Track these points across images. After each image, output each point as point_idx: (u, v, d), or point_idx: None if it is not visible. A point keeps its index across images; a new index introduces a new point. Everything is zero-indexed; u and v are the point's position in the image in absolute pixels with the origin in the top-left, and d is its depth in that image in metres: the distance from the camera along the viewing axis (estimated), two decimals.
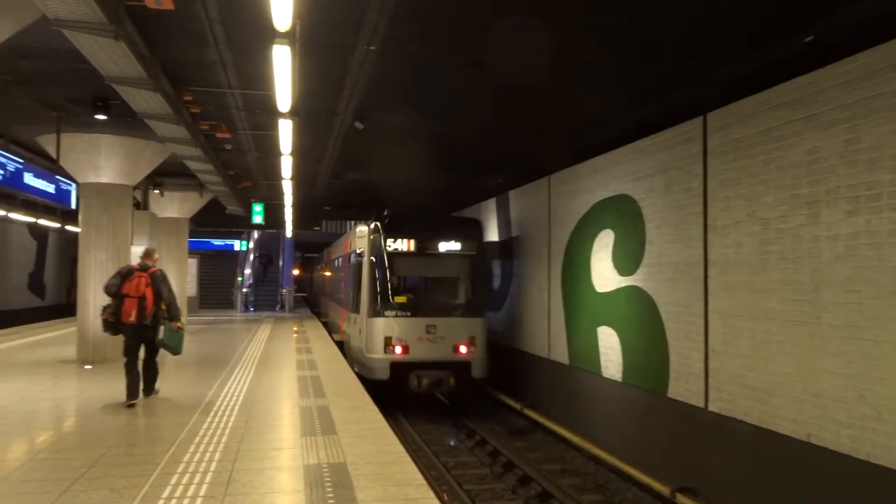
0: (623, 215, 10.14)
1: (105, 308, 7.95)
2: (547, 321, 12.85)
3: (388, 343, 12.95)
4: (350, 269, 15.90)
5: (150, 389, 8.24)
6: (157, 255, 8.51)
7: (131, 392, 7.87)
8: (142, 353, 8.15)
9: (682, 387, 8.52)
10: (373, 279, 13.49)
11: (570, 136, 11.00)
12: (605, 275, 10.64)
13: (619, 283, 10.17)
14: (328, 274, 23.96)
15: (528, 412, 12.84)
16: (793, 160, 6.77)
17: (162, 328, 7.96)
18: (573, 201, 11.88)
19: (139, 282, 7.89)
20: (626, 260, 9.99)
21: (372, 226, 13.82)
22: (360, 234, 14.40)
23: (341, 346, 15.62)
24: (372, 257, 13.61)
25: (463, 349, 13.07)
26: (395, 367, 12.81)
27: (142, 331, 7.92)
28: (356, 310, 14.35)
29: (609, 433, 10.21)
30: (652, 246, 9.36)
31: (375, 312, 13.21)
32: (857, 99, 6.04)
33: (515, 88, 8.32)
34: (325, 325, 21.03)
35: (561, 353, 12.20)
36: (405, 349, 12.91)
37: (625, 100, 8.88)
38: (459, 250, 13.76)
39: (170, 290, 8.11)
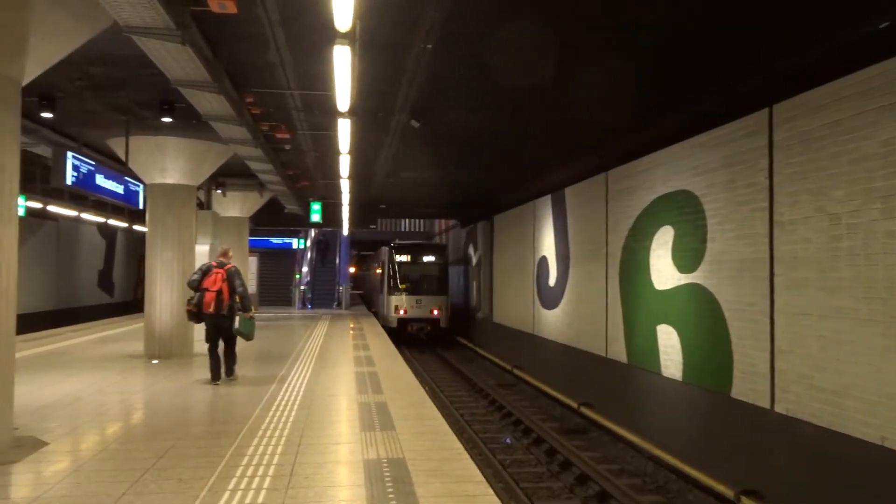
0: (683, 211, 9.91)
1: (190, 300, 9.13)
2: (604, 319, 12.68)
3: (396, 308, 24.27)
4: (379, 270, 27.98)
5: (230, 371, 9.29)
6: (231, 254, 9.52)
7: (214, 374, 9.13)
8: (221, 345, 9.27)
9: (747, 387, 8.28)
10: (390, 275, 25.01)
11: (628, 132, 10.82)
12: (664, 272, 10.43)
13: (679, 280, 9.95)
14: (371, 272, 36.80)
15: (585, 410, 12.71)
16: (866, 152, 6.49)
17: (237, 318, 9.08)
18: (631, 198, 11.68)
19: (216, 277, 9.00)
20: (687, 257, 9.77)
21: (389, 247, 25.87)
22: (384, 252, 26.55)
23: (376, 314, 26.61)
24: (389, 264, 25.23)
25: (435, 312, 24.38)
26: (400, 321, 24.07)
27: (219, 320, 9.05)
28: (382, 291, 26.32)
29: (668, 433, 10.01)
30: (714, 243, 9.13)
31: (391, 292, 24.70)
32: None
33: (572, 85, 8.23)
34: (367, 304, 32.92)
35: (618, 352, 12.03)
36: (405, 311, 24.23)
37: (684, 92, 8.69)
38: (433, 261, 25.67)
39: (242, 284, 9.18)
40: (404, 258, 25.27)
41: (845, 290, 6.71)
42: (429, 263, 25.42)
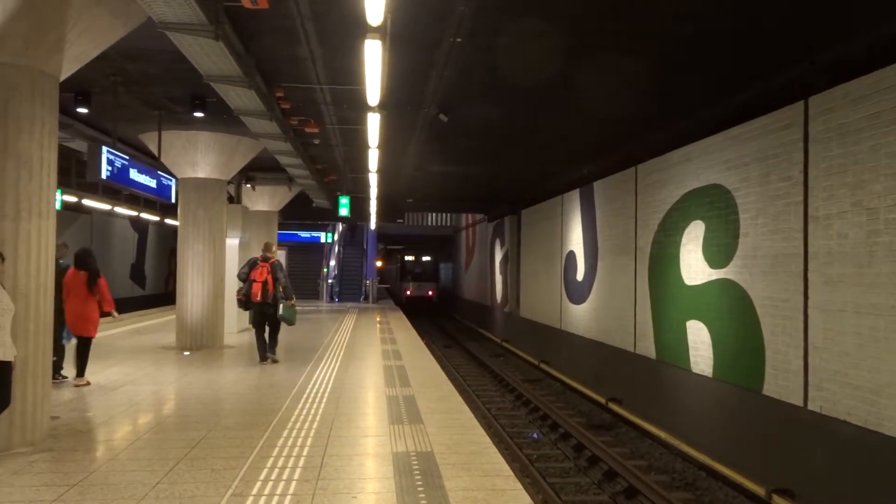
0: (715, 206, 9.78)
1: (239, 290, 10.39)
2: (633, 314, 12.58)
3: (405, 290, 39.23)
4: (396, 266, 44.06)
5: (272, 351, 10.40)
6: (274, 248, 10.71)
7: (262, 356, 10.34)
8: (266, 329, 10.47)
9: (779, 384, 8.16)
10: (401, 270, 40.57)
11: (658, 125, 10.70)
12: (695, 267, 10.30)
13: (710, 276, 9.83)
14: (392, 267, 49.44)
15: (613, 406, 12.63)
16: None
17: (281, 306, 10.28)
18: (662, 191, 11.55)
19: (262, 270, 10.21)
20: (718, 252, 9.64)
21: (401, 249, 41.19)
22: (398, 254, 42.26)
23: (394, 298, 36.93)
24: (400, 261, 40.77)
25: (430, 293, 39.53)
26: (407, 298, 38.10)
27: (265, 308, 10.26)
28: (397, 280, 42.81)
29: (698, 430, 9.91)
30: (746, 238, 8.99)
31: (402, 280, 40.06)
32: None
33: (602, 78, 8.16)
34: (393, 297, 39.78)
35: (647, 348, 11.92)
36: (410, 292, 39.05)
37: (717, 85, 8.56)
38: (429, 259, 39.97)
39: (285, 276, 10.39)
40: (410, 258, 39.62)
41: (883, 286, 6.57)
42: (426, 261, 39.57)
